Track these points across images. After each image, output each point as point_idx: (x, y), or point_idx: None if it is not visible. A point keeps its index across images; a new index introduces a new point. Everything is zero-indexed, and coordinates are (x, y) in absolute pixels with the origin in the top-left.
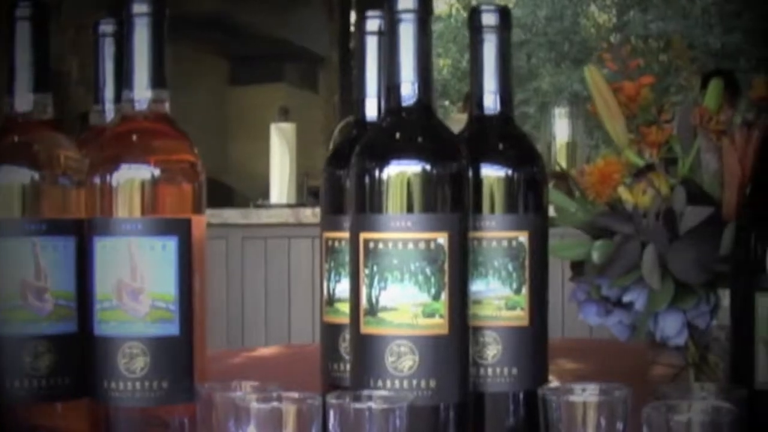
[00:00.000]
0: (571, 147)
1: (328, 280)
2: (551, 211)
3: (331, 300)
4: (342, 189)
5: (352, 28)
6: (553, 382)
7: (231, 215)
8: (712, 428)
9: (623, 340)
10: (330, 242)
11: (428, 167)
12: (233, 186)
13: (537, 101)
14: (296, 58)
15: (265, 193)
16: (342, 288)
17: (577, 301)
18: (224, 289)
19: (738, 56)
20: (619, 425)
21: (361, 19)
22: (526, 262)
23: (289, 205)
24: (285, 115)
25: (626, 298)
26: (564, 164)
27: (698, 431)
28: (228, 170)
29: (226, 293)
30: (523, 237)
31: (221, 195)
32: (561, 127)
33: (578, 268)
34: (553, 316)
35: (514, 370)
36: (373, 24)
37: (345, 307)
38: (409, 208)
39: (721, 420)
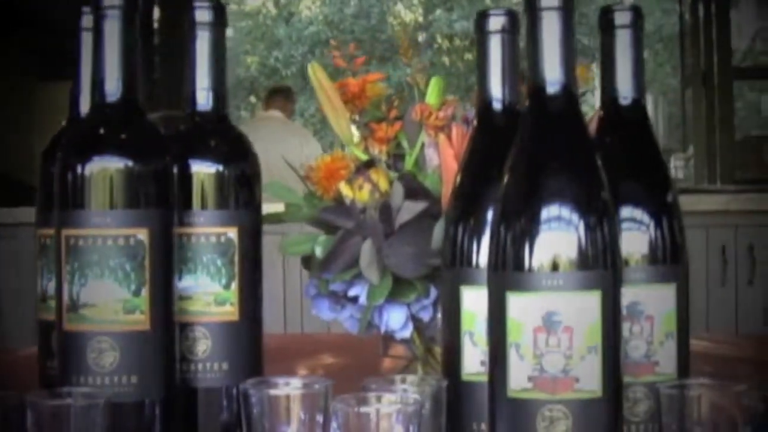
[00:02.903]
0: None
1: (41, 277)
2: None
3: (45, 297)
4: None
5: (156, 24)
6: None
7: (22, 213)
8: (400, 418)
9: (356, 333)
10: (42, 240)
11: (129, 163)
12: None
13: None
14: None
15: None
16: (54, 286)
17: (310, 296)
18: (14, 287)
19: None
20: (319, 418)
21: (79, 17)
22: (236, 258)
23: None
24: None
25: (351, 293)
26: None
27: (386, 422)
28: (35, 168)
29: (17, 291)
30: (232, 233)
31: (25, 193)
32: None
33: (309, 263)
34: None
35: (225, 365)
36: (88, 21)
37: None
38: (111, 205)
39: (408, 411)
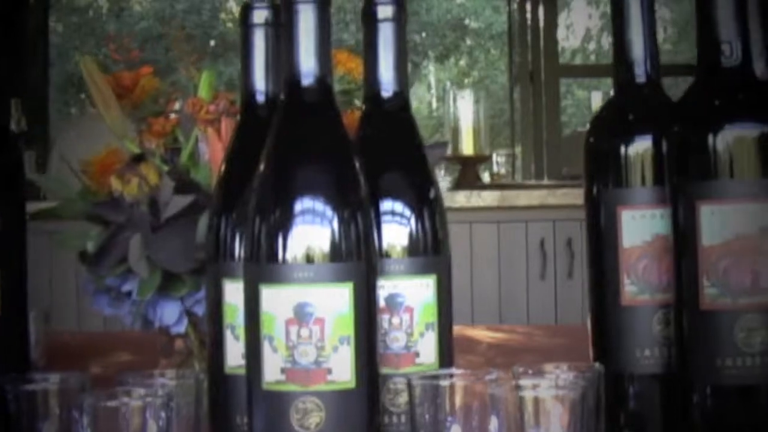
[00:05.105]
0: None
1: None
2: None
3: None
4: None
5: None
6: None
7: None
8: (150, 412)
9: (137, 329)
10: None
11: None
12: None
13: (176, 96)
14: None
15: None
16: None
17: (88, 292)
18: None
19: None
20: (76, 413)
21: None
22: None
23: None
24: None
25: (125, 288)
26: None
27: (136, 416)
28: None
29: None
30: None
31: None
32: None
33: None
34: None
35: None
36: None
37: None
38: None
39: (157, 404)
